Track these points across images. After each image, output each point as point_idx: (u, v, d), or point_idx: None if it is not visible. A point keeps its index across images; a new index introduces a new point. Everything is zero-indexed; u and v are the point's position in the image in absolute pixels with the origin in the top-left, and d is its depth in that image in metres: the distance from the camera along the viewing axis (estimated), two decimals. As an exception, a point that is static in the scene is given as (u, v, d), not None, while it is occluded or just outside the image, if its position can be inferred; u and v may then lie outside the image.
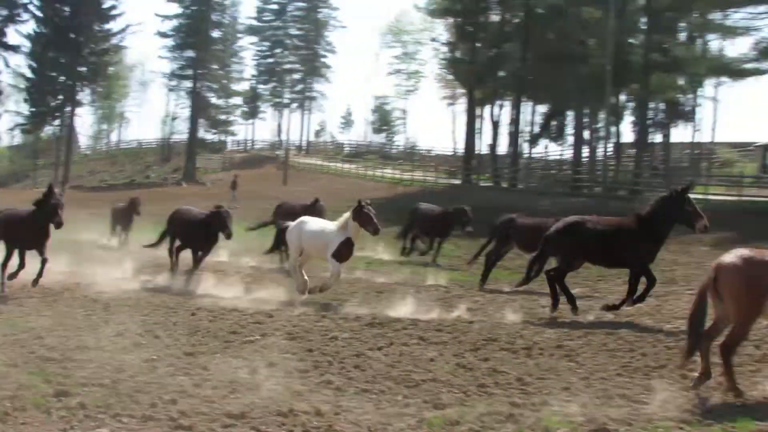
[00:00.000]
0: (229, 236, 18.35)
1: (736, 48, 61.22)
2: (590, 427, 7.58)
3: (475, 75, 61.89)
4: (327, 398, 8.63)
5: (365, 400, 8.64)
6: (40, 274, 15.87)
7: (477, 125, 66.80)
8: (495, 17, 63.79)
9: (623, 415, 8.02)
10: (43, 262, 15.94)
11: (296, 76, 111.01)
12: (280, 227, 19.96)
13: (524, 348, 11.66)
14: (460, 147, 73.52)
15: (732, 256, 9.02)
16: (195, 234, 19.01)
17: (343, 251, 16.49)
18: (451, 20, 66.83)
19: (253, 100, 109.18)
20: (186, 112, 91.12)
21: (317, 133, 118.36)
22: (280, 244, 20.42)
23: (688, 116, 69.29)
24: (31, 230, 16.16)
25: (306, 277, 16.88)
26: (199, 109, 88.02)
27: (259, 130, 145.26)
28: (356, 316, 14.36)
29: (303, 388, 9.05)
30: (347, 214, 16.63)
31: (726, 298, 9.03)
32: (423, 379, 9.59)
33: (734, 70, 54.66)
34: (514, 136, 63.56)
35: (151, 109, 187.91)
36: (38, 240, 16.04)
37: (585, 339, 12.42)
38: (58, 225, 15.81)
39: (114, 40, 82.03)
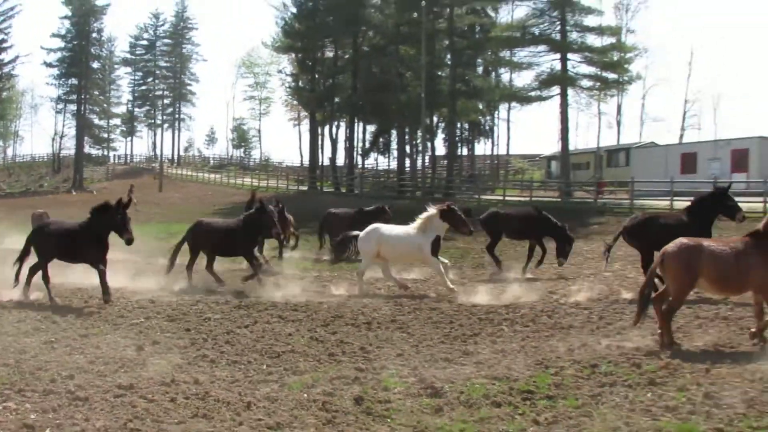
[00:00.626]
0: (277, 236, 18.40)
1: (522, 79, 64.92)
2: (421, 386, 7.75)
3: (316, 101, 62.27)
4: (203, 369, 8.67)
5: (236, 370, 8.70)
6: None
7: (319, 141, 67.49)
8: (330, 53, 64.26)
9: (447, 375, 8.29)
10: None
11: (167, 101, 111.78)
12: (349, 236, 17.01)
13: (365, 323, 11.85)
14: (306, 160, 74.30)
15: (673, 244, 9.61)
16: (230, 241, 16.87)
17: (436, 249, 15.50)
18: (293, 55, 67.29)
19: (130, 120, 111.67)
20: (72, 131, 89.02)
21: (186, 149, 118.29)
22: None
23: (488, 134, 73.19)
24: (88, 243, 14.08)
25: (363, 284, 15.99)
26: (84, 128, 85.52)
27: (137, 146, 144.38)
28: (226, 300, 14.25)
29: (183, 361, 9.05)
30: (426, 216, 15.56)
31: (667, 276, 9.81)
32: (283, 351, 9.67)
33: (521, 97, 57.51)
34: (349, 150, 64.70)
35: (41, 128, 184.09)
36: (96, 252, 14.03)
37: (414, 314, 12.67)
38: (129, 242, 14.20)
39: (6, 69, 79.71)
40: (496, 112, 69.98)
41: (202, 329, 11.19)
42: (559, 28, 51.01)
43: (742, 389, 7.38)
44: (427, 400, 7.35)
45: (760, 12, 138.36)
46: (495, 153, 75.12)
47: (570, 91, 54.01)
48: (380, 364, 8.92)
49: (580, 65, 52.78)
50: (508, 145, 76.36)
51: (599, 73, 53.27)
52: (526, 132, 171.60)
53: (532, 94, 55.19)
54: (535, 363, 8.82)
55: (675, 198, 33.86)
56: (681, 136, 75.60)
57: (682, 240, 9.82)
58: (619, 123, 75.02)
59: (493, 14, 64.08)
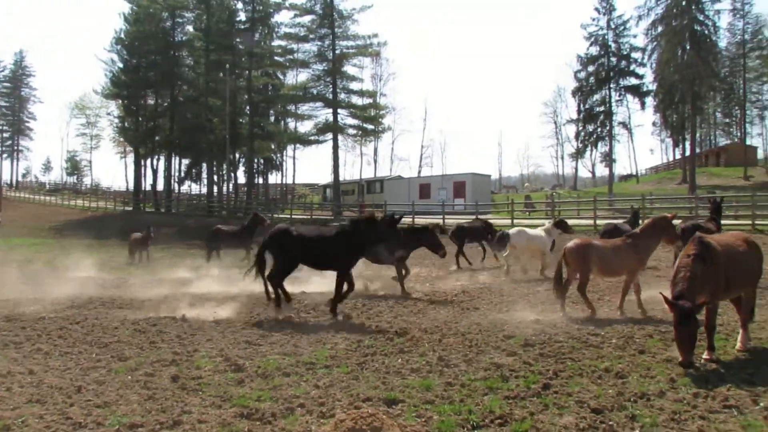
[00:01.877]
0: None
1: (305, 127, 65.53)
2: (226, 364, 7.43)
3: (139, 139, 58.85)
4: (38, 361, 7.74)
5: (68, 360, 7.84)
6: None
7: (142, 171, 63.71)
8: (151, 101, 60.84)
9: (247, 353, 8.02)
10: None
11: (6, 134, 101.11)
12: (505, 233, 17.24)
13: (181, 316, 10.93)
14: (131, 185, 69.58)
15: (572, 242, 10.48)
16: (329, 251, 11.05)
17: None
18: (120, 101, 62.75)
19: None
20: None
21: (24, 175, 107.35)
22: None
23: (278, 167, 72.94)
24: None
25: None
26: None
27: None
28: (56, 300, 12.93)
29: (18, 355, 8.04)
30: (547, 225, 16.68)
31: (570, 266, 10.38)
32: (110, 341, 8.88)
33: (304, 140, 58.54)
34: (167, 178, 61.49)
35: None
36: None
37: (226, 306, 11.91)
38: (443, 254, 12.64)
39: None
40: (285, 151, 70.36)
41: (37, 327, 9.99)
42: (331, 89, 52.24)
43: (464, 352, 7.79)
44: (232, 374, 7.07)
45: (475, 83, 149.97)
46: (284, 182, 75.43)
47: (340, 137, 55.57)
48: (193, 348, 8.44)
49: (348, 118, 54.56)
50: (294, 176, 77.38)
51: (361, 124, 55.37)
52: (308, 166, 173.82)
53: (312, 138, 56.74)
54: (315, 341, 8.76)
55: (416, 216, 35.61)
56: (419, 171, 80.00)
57: (577, 240, 10.79)
58: (375, 161, 78.36)
59: (282, 77, 64.27)
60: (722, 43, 61.60)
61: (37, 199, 73.07)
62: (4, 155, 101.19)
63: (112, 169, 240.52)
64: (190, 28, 58.33)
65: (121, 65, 59.60)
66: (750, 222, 24.74)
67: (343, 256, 10.79)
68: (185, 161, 64.42)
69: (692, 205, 29.54)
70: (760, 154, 74.12)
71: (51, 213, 57.16)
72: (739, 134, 71.63)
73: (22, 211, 57.76)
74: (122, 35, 58.48)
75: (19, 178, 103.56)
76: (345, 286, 10.81)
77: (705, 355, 7.02)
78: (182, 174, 66.21)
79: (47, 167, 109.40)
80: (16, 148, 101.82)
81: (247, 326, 10.02)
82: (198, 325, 10.19)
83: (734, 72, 66.68)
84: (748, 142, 70.06)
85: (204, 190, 65.83)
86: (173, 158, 62.05)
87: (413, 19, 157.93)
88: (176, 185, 65.95)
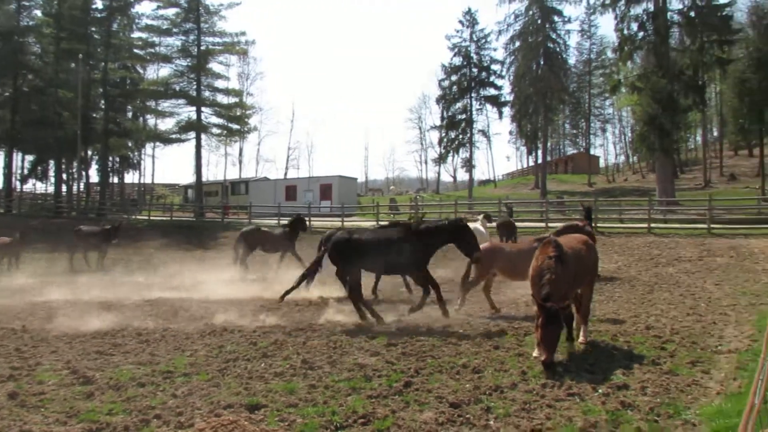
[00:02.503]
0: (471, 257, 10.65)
1: (166, 124, 62.86)
2: (74, 376, 6.93)
3: None
4: None
5: None
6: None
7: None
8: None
9: (98, 365, 7.54)
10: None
11: None
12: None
13: (21, 326, 10.19)
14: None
15: (483, 245, 10.68)
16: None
17: None
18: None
19: None
20: None
21: None
22: None
23: (136, 166, 69.23)
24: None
25: None
26: None
27: None
28: None
29: None
30: (480, 219, 17.12)
31: (476, 267, 10.74)
32: None
33: (165, 138, 55.98)
34: (8, 176, 56.45)
35: None
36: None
37: (69, 315, 11.16)
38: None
39: None
40: (144, 149, 66.73)
41: None
42: (195, 87, 50.50)
43: (328, 354, 7.83)
44: (80, 387, 6.57)
45: (342, 86, 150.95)
46: (142, 182, 71.68)
47: (203, 136, 53.70)
48: (35, 361, 7.78)
49: (212, 117, 52.85)
50: (153, 175, 73.69)
51: (226, 123, 53.80)
52: (168, 165, 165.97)
53: (173, 136, 54.37)
54: (174, 348, 8.42)
55: (281, 218, 35.20)
56: (286, 173, 79.17)
57: (485, 245, 11.16)
58: (240, 162, 76.40)
59: (142, 71, 61.08)
60: (572, 61, 66.98)
61: None
62: None
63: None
64: (38, 12, 53.68)
65: (-48, 49, 53.72)
66: (593, 224, 26.89)
67: (413, 259, 10.15)
68: (29, 157, 59.16)
69: (543, 209, 31.60)
70: (602, 163, 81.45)
71: None
72: (584, 144, 77.90)
73: None
74: (-45, 16, 52.82)
75: None
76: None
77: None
78: (25, 172, 60.76)
79: None
80: None
81: (98, 336, 9.39)
82: (41, 336, 9.43)
83: (581, 87, 72.57)
84: (591, 152, 76.59)
85: (51, 189, 60.77)
86: (15, 154, 56.76)
87: (282, 19, 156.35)
88: (18, 184, 60.45)
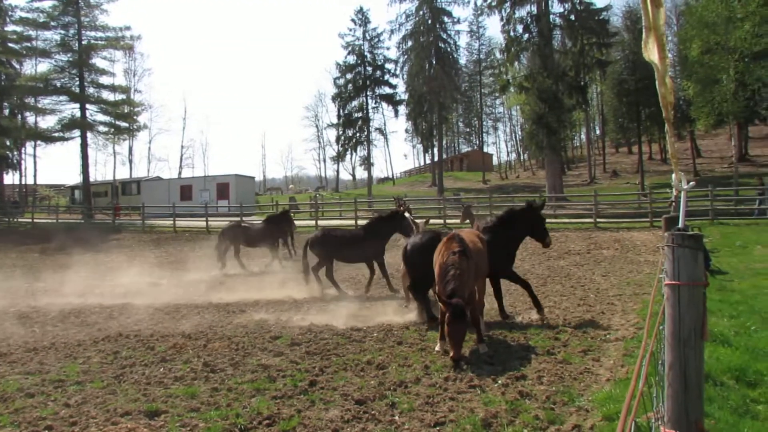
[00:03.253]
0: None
1: (47, 122, 58.90)
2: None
3: None
4: None
5: None
6: None
7: None
8: None
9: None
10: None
11: None
12: None
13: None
14: None
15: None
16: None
17: None
18: None
19: None
20: None
21: None
22: None
23: (15, 166, 64.55)
24: None
25: None
26: None
27: None
28: None
29: None
30: None
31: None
32: None
33: (46, 137, 52.64)
34: None
35: None
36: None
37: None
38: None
39: None
40: (24, 148, 62.18)
41: None
42: (78, 83, 47.78)
43: (230, 356, 7.70)
44: (-40, 403, 6.12)
45: (236, 84, 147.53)
46: (23, 182, 66.83)
47: (89, 134, 51.17)
48: None
49: (98, 114, 50.33)
50: (35, 176, 68.74)
51: (114, 121, 51.33)
52: (52, 164, 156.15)
53: (56, 134, 51.13)
54: (65, 356, 8.03)
55: (177, 219, 34.09)
56: (180, 172, 76.57)
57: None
58: (131, 161, 73.05)
59: (18, 66, 56.90)
60: (462, 61, 68.97)
61: None
62: None
63: None
64: None
65: None
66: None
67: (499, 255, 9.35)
68: None
69: (441, 206, 32.46)
70: (495, 161, 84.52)
71: None
72: (477, 142, 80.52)
73: None
74: None
75: None
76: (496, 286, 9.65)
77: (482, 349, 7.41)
78: None
79: None
80: None
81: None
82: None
83: (473, 86, 74.98)
84: (485, 150, 79.32)
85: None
86: None
87: (171, 14, 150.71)
88: None
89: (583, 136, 70.00)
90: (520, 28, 41.00)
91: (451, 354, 6.82)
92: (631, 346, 7.32)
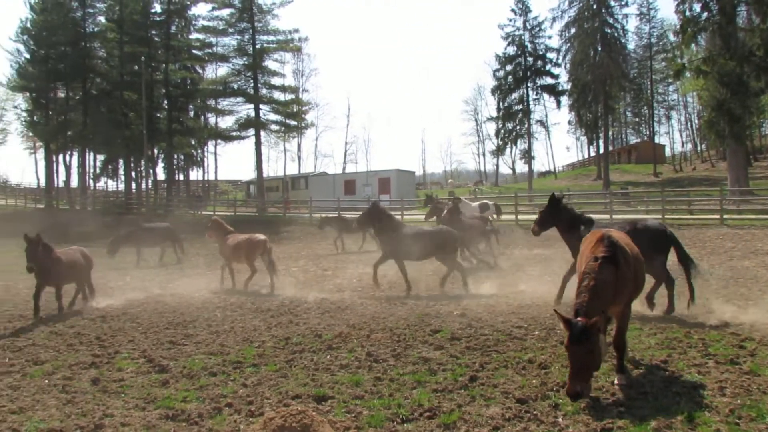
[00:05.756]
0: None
1: (226, 122, 64.37)
2: (150, 365, 7.26)
3: (50, 134, 55.32)
4: None
5: None
6: None
7: (54, 167, 60.63)
8: (62, 94, 57.80)
9: (172, 354, 7.80)
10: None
11: None
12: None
13: (100, 316, 10.70)
14: (43, 182, 65.65)
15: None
16: None
17: None
18: (28, 94, 59.21)
19: None
20: None
21: None
22: None
23: (199, 163, 71.18)
24: None
25: None
26: None
27: None
28: None
29: None
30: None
31: None
32: (24, 345, 8.52)
33: (225, 136, 57.22)
34: (82, 175, 59.10)
35: None
36: None
37: (144, 306, 11.76)
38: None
39: None
40: (206, 147, 68.66)
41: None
42: (252, 84, 51.37)
43: (392, 347, 7.87)
44: (156, 375, 6.87)
45: (397, 80, 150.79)
46: (206, 178, 73.71)
47: (262, 133, 54.66)
48: (114, 349, 8.15)
49: (270, 114, 53.70)
50: (216, 172, 75.71)
51: (284, 120, 54.55)
52: (230, 162, 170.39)
53: (233, 134, 55.51)
54: (242, 340, 8.64)
55: (342, 213, 35.55)
56: (344, 168, 79.93)
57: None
58: (299, 157, 77.85)
59: (201, 71, 62.64)
60: (631, 46, 64.90)
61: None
62: None
63: (21, 165, 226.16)
64: (102, 18, 55.83)
65: (27, 56, 56.43)
66: (660, 216, 25.98)
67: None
68: (100, 157, 61.68)
69: (607, 201, 30.82)
70: (668, 152, 78.55)
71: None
72: (648, 133, 75.46)
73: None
74: (28, 24, 55.38)
75: None
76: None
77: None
78: (97, 170, 63.39)
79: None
80: None
81: (170, 326, 9.76)
82: (119, 326, 9.87)
83: (642, 73, 70.27)
84: (656, 141, 73.99)
85: (122, 186, 63.15)
86: (87, 153, 59.32)
87: (334, 15, 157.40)
88: (91, 182, 63.12)
89: (773, 123, 62.94)
90: (697, 6, 37.52)
91: (566, 387, 5.49)
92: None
